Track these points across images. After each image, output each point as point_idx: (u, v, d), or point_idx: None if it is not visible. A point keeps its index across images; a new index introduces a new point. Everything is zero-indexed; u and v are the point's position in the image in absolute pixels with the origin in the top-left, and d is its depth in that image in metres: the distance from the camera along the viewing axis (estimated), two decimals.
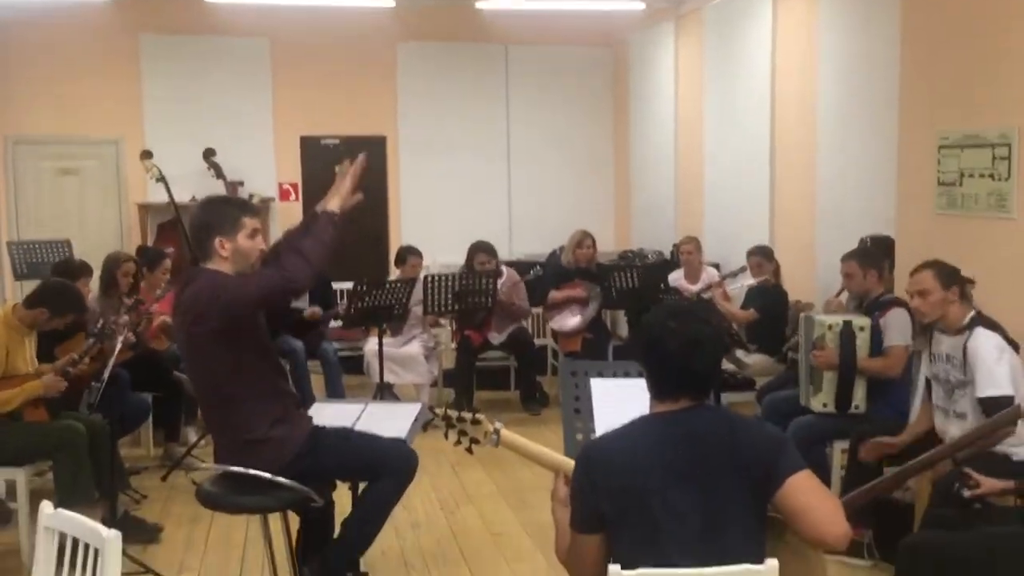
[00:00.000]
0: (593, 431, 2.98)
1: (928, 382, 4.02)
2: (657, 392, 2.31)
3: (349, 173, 3.40)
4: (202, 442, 5.61)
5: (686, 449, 2.20)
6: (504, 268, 7.08)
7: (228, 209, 3.29)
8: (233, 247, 3.21)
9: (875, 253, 4.84)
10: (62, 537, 2.34)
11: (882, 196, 5.53)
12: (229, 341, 3.13)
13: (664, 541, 2.14)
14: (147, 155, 8.62)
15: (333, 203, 3.32)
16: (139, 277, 5.91)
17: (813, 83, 6.29)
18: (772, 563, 2.06)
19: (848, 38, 5.94)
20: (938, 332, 3.87)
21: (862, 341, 4.48)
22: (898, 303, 4.57)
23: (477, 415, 2.73)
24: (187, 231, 3.35)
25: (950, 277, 3.80)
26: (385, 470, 3.32)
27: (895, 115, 5.38)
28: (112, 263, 5.71)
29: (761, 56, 6.97)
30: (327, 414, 3.58)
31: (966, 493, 3.17)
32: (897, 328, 4.47)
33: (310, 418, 3.40)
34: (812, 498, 2.16)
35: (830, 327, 4.50)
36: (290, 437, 3.21)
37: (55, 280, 4.72)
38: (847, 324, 4.48)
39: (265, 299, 3.19)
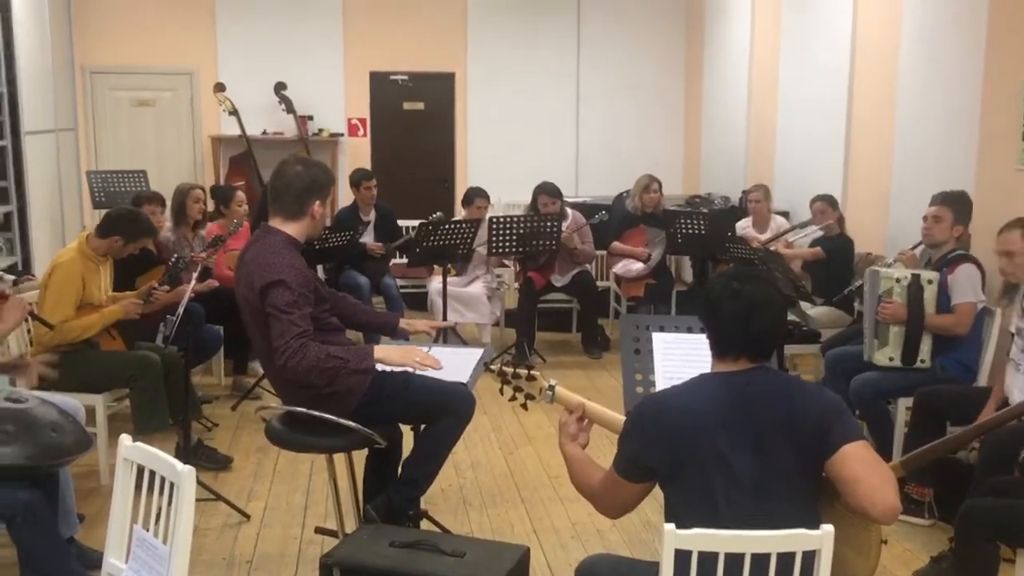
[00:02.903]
0: (653, 385, 3.00)
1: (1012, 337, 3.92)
2: (718, 352, 2.32)
3: (420, 360, 3.24)
4: None
5: (743, 410, 2.21)
6: (569, 211, 7.06)
7: (328, 175, 3.41)
8: (321, 212, 3.34)
9: (969, 209, 4.65)
10: (140, 466, 2.45)
11: (963, 149, 5.35)
12: None
13: (717, 501, 2.16)
14: (220, 88, 8.82)
15: (380, 356, 3.21)
16: (215, 215, 6.05)
17: (896, 28, 6.06)
18: (828, 528, 2.06)
19: None
20: None
21: (930, 295, 4.41)
22: (968, 259, 4.47)
23: (532, 371, 2.76)
24: (282, 185, 3.30)
25: None
26: (445, 412, 3.38)
27: (981, 64, 5.17)
28: (180, 194, 5.84)
29: None
30: None
31: None
32: (966, 284, 4.38)
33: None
34: (863, 469, 2.14)
35: (897, 280, 4.44)
36: (349, 390, 3.27)
37: (123, 208, 4.79)
38: (915, 277, 4.43)
39: (279, 339, 3.07)
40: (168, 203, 5.82)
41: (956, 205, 4.59)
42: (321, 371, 3.11)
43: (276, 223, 3.32)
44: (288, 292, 3.10)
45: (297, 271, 3.17)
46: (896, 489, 2.17)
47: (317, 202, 3.30)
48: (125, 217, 4.59)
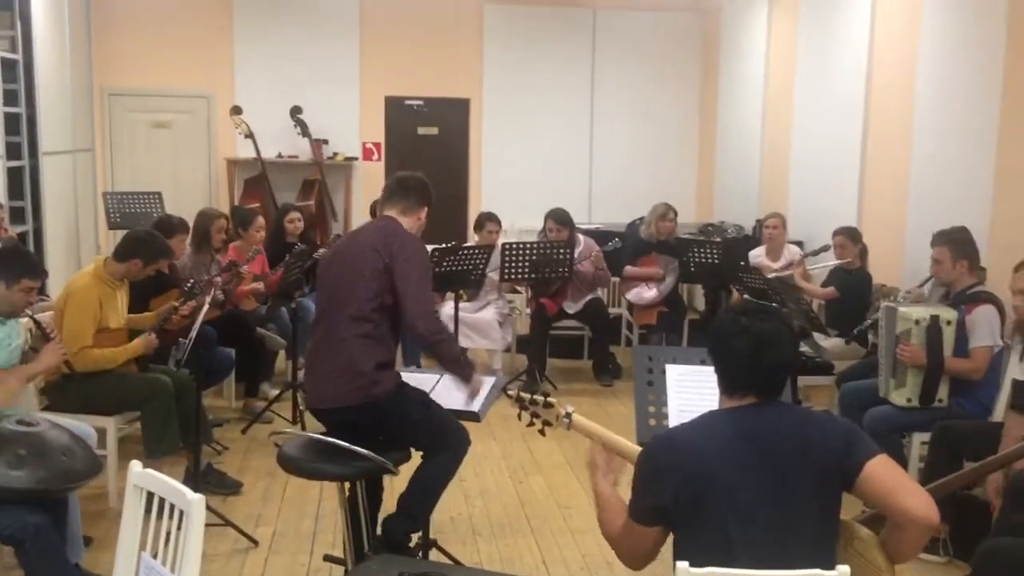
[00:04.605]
0: (666, 417, 2.98)
1: (1017, 384, 3.86)
2: (726, 388, 2.30)
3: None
4: (282, 395, 5.86)
5: (755, 447, 2.18)
6: (582, 238, 7.05)
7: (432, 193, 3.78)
8: (422, 223, 3.68)
9: (968, 241, 4.63)
10: (149, 492, 2.44)
11: (979, 183, 5.33)
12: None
13: (731, 541, 2.13)
14: (236, 111, 8.88)
15: (467, 376, 3.60)
16: (232, 237, 6.05)
17: (913, 59, 6.06)
18: (844, 569, 2.03)
19: (952, 12, 5.70)
20: None
21: (948, 336, 4.34)
22: (988, 299, 4.41)
23: (549, 398, 2.76)
24: (407, 183, 3.68)
25: None
26: (449, 445, 3.47)
27: (998, 97, 5.16)
28: (206, 219, 5.83)
29: (859, 28, 6.74)
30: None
31: None
32: (984, 328, 4.31)
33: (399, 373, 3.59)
34: (896, 476, 2.17)
35: (917, 322, 4.34)
36: (386, 379, 3.42)
37: (139, 230, 4.82)
38: (934, 319, 4.33)
39: (414, 305, 3.44)
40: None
41: (952, 243, 4.54)
42: (442, 351, 3.53)
43: (394, 213, 3.56)
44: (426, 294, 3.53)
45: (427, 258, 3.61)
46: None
47: (426, 209, 3.64)
48: (143, 239, 4.62)
